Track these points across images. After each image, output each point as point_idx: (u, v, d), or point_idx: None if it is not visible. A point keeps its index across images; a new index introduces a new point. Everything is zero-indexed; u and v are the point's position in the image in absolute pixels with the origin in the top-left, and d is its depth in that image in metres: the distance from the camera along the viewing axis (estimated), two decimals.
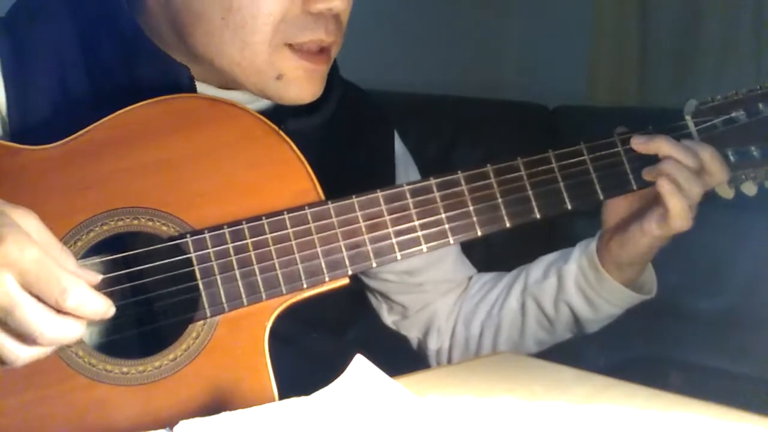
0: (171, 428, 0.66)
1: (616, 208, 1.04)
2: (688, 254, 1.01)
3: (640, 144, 0.97)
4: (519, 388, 0.81)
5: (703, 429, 0.72)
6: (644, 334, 1.10)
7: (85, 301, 0.70)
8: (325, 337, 1.01)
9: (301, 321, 0.90)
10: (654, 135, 0.97)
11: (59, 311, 0.70)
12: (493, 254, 1.41)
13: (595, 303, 1.08)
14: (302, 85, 0.93)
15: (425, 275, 1.16)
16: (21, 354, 0.70)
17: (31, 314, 0.68)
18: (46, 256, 0.69)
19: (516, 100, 2.08)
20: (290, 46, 0.91)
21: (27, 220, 0.71)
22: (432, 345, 1.20)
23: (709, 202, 0.98)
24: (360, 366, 0.70)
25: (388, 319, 1.21)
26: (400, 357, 1.18)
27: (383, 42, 2.15)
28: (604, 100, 2.28)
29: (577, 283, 1.08)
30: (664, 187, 0.95)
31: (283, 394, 0.81)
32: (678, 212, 0.95)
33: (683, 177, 0.94)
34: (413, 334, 1.21)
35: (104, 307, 0.72)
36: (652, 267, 1.07)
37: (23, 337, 0.69)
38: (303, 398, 0.68)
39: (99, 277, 0.75)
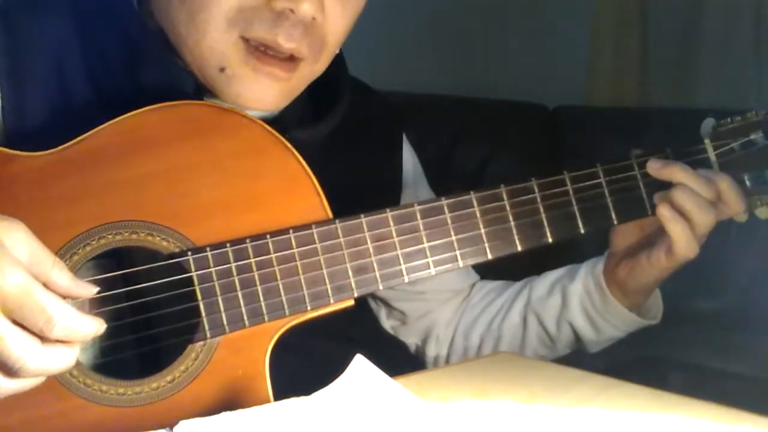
0: (171, 428, 0.66)
1: (625, 233, 1.02)
2: None
3: (656, 169, 0.95)
4: (519, 389, 0.81)
5: (703, 429, 0.71)
6: (644, 335, 1.10)
7: (74, 327, 0.67)
8: (325, 341, 1.01)
9: (302, 325, 0.89)
10: (670, 161, 0.95)
11: (46, 339, 0.66)
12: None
13: (598, 325, 1.07)
14: (249, 85, 0.87)
15: (427, 284, 1.14)
16: (3, 385, 0.66)
17: (12, 345, 0.64)
18: (31, 281, 0.65)
19: (516, 100, 2.07)
20: (244, 39, 0.86)
21: (14, 234, 0.67)
22: (430, 352, 1.19)
23: None
24: (360, 366, 0.70)
25: (387, 324, 1.20)
26: (401, 358, 1.18)
27: (383, 42, 2.15)
28: (604, 100, 2.28)
29: (582, 304, 1.07)
30: (664, 214, 0.93)
31: (283, 397, 0.81)
32: (680, 239, 0.93)
33: (695, 205, 0.92)
34: (411, 341, 1.20)
35: (94, 329, 0.68)
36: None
37: (5, 368, 0.65)
38: (303, 398, 0.68)
39: (95, 290, 0.72)
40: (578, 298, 1.07)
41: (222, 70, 0.87)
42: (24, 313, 0.65)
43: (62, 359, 0.68)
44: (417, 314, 1.18)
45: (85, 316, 0.68)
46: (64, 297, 0.69)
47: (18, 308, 0.65)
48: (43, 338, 0.66)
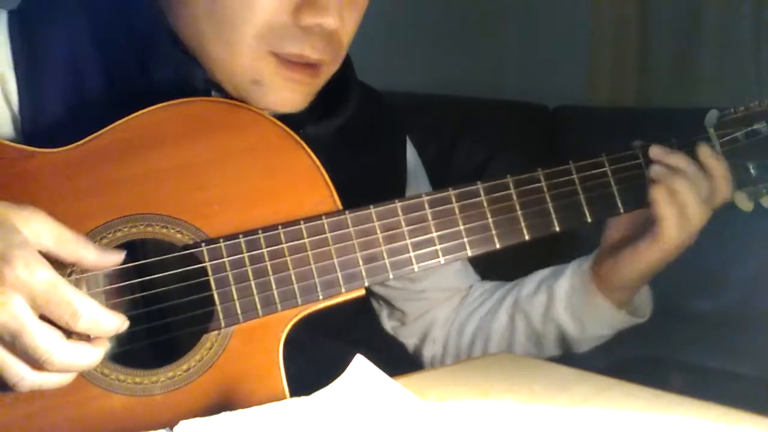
0: (171, 428, 0.66)
1: (615, 228, 1.02)
2: (687, 254, 1.00)
3: (659, 154, 0.95)
4: (519, 388, 0.81)
5: (703, 429, 0.71)
6: (644, 335, 1.10)
7: (97, 320, 0.70)
8: (328, 339, 1.01)
9: (305, 323, 0.89)
10: (674, 150, 0.96)
11: (72, 334, 0.69)
12: (491, 255, 1.41)
13: (583, 322, 1.07)
14: (280, 93, 0.89)
15: (427, 282, 1.15)
16: (27, 376, 0.69)
17: (39, 338, 0.67)
18: (56, 276, 0.69)
19: (516, 100, 2.08)
20: (274, 54, 0.88)
21: (35, 222, 0.70)
22: (427, 352, 1.19)
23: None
24: (360, 366, 0.70)
25: (387, 324, 1.21)
26: (401, 357, 1.18)
27: (383, 42, 2.15)
28: (604, 100, 2.28)
29: (568, 301, 1.07)
30: (660, 194, 0.93)
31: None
32: (669, 223, 0.93)
33: (692, 195, 0.93)
34: (410, 341, 1.21)
35: (117, 324, 0.72)
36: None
37: (31, 360, 0.68)
38: (303, 398, 0.68)
39: (122, 256, 0.76)
40: (564, 295, 1.07)
41: (255, 82, 0.89)
42: (51, 308, 0.68)
43: (87, 355, 0.71)
44: (417, 314, 1.18)
45: (109, 312, 0.71)
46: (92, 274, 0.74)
47: (45, 303, 0.68)
48: (68, 333, 0.70)
